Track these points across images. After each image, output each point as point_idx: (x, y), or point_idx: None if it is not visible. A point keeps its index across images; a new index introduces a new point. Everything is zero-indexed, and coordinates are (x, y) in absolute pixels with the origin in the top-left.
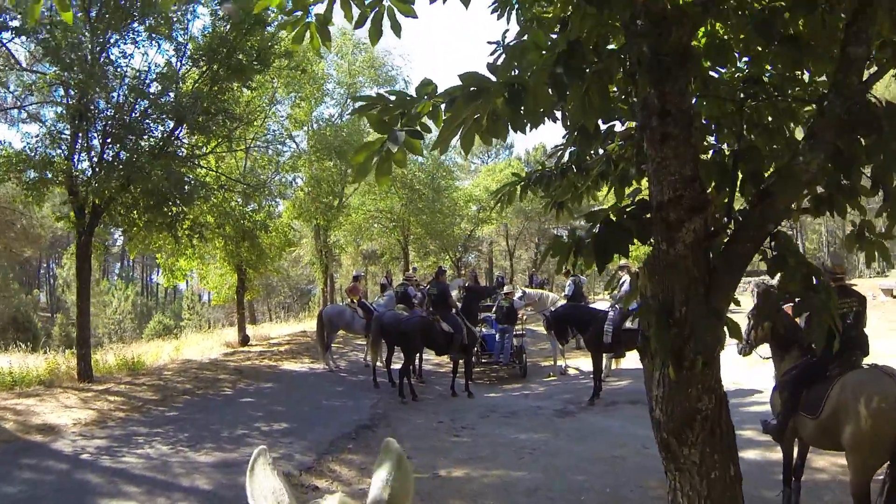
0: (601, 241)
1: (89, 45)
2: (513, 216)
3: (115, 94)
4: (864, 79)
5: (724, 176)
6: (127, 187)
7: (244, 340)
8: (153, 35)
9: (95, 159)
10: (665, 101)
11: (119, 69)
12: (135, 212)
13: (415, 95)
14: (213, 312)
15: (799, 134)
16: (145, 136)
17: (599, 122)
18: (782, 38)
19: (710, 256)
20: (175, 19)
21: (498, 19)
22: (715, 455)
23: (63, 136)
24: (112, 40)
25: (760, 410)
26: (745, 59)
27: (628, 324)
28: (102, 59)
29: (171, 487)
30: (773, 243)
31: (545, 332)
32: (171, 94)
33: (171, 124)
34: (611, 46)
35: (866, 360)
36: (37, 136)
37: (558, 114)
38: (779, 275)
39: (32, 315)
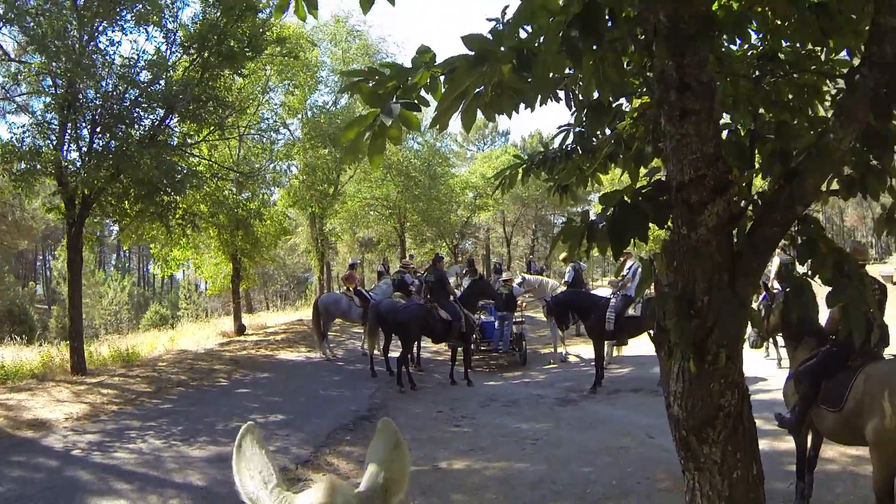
0: (617, 225)
1: (77, 34)
2: (510, 203)
3: (104, 83)
4: None
5: (741, 156)
6: (117, 177)
7: (240, 330)
8: (142, 23)
9: (85, 149)
10: (684, 74)
11: (108, 57)
12: (126, 202)
13: (411, 66)
14: (209, 302)
15: (821, 113)
16: (136, 126)
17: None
18: (810, 6)
19: (733, 241)
20: (164, 5)
21: None
22: (737, 454)
23: (51, 126)
24: (100, 28)
25: (765, 399)
26: (759, 34)
27: (631, 311)
28: (90, 48)
29: (164, 484)
30: (800, 227)
31: (544, 319)
32: (162, 82)
33: (162, 113)
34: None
35: (887, 351)
36: (23, 126)
37: (561, 94)
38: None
39: (29, 308)
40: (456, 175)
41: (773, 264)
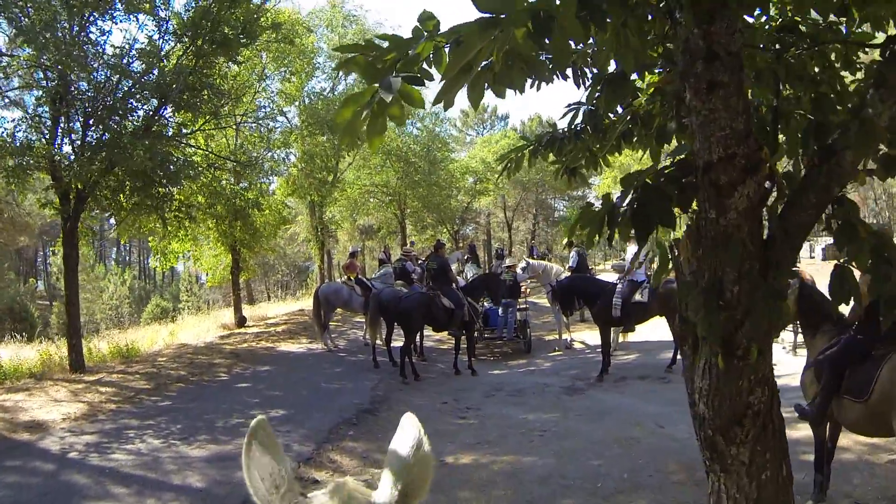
0: (640, 210)
1: (67, 24)
2: (510, 187)
3: (95, 75)
4: None
5: (763, 134)
6: (111, 170)
7: (241, 322)
8: (133, 11)
9: (78, 142)
10: (711, 42)
11: (99, 48)
12: (121, 195)
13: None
14: (210, 293)
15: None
16: (129, 117)
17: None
18: None
19: (762, 226)
20: None
21: None
22: (767, 454)
23: (43, 119)
24: (91, 18)
25: (778, 386)
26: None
27: (637, 297)
28: (81, 39)
29: (162, 487)
30: (835, 209)
31: (548, 305)
32: (155, 72)
33: (155, 103)
34: None
35: None
36: (13, 121)
37: (569, 71)
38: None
39: (30, 304)
40: (456, 160)
41: None
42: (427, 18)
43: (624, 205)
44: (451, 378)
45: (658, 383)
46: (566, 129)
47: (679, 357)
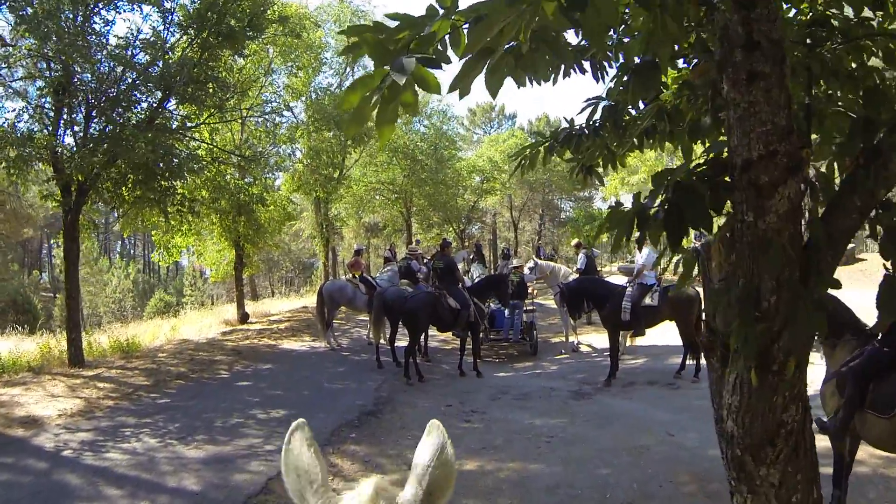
0: (674, 211)
1: (70, 14)
2: (517, 187)
3: (99, 66)
4: None
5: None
6: (113, 162)
7: (243, 318)
8: (138, 2)
9: (80, 134)
10: (752, 30)
11: (103, 39)
12: (123, 188)
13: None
14: (214, 288)
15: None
16: (133, 109)
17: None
18: None
19: (802, 231)
20: None
21: None
22: (798, 475)
23: (45, 110)
24: (95, 9)
25: None
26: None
27: (647, 300)
28: (85, 29)
29: (157, 489)
30: (881, 213)
31: (554, 307)
32: (160, 64)
33: (160, 95)
34: None
35: None
36: (13, 111)
37: (587, 64)
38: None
39: (33, 296)
40: (463, 158)
41: None
42: None
43: (655, 205)
44: (455, 380)
45: (667, 389)
46: (584, 126)
47: (688, 363)
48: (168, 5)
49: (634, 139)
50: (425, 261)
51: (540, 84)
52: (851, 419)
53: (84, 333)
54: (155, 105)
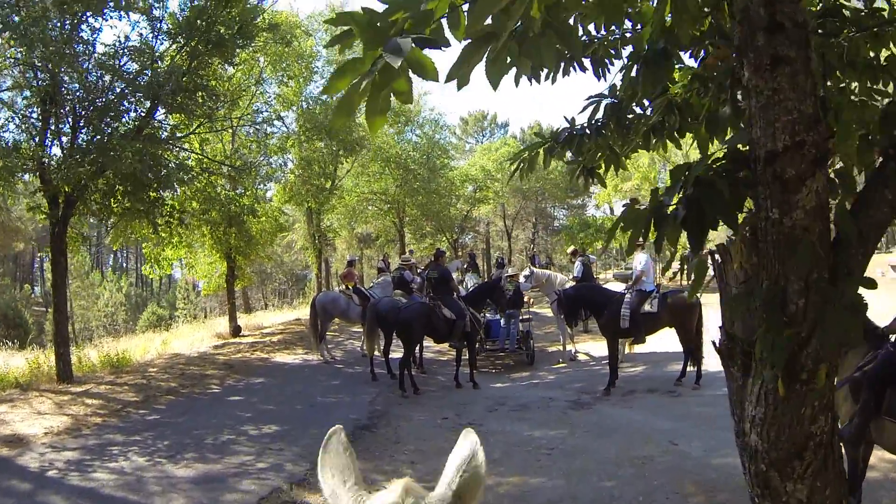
0: (695, 208)
1: (58, 22)
2: (510, 195)
3: (87, 75)
4: None
5: None
6: (101, 173)
7: (235, 331)
8: (127, 9)
9: (67, 144)
10: (774, 12)
11: (91, 48)
12: (111, 200)
13: None
14: (208, 301)
15: None
16: (122, 119)
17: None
18: None
19: (830, 227)
20: None
21: None
22: (826, 490)
23: (31, 120)
24: (83, 17)
25: None
26: None
27: (647, 307)
28: (73, 38)
29: None
30: None
31: (551, 315)
32: (148, 73)
33: (148, 105)
34: None
35: None
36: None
37: (587, 62)
38: None
39: (24, 310)
40: (455, 168)
41: None
42: None
43: (672, 203)
44: (451, 391)
45: (667, 397)
46: (585, 125)
47: (689, 369)
48: (157, 13)
49: (639, 139)
50: (419, 271)
51: (539, 82)
52: (867, 425)
53: (74, 348)
54: (143, 114)
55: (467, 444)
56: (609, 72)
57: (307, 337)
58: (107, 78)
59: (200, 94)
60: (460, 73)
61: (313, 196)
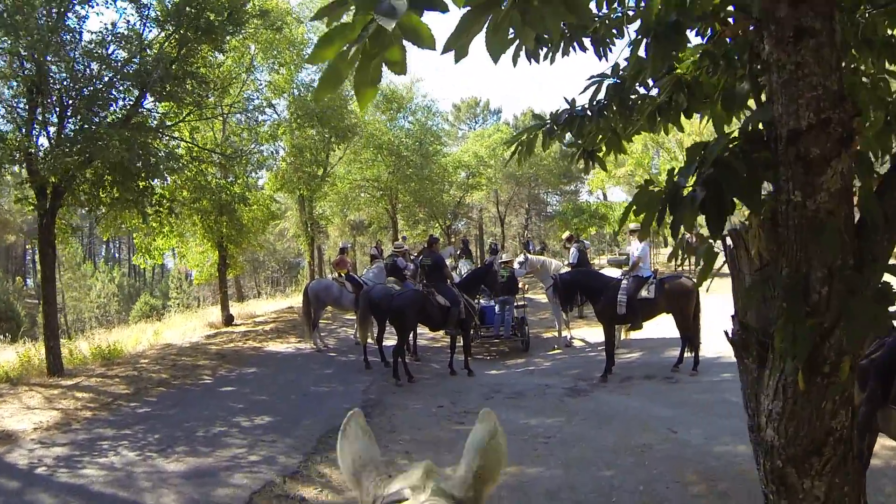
0: (714, 190)
1: (43, 9)
2: (503, 182)
3: (74, 64)
4: None
5: None
6: (89, 163)
7: (228, 320)
8: None
9: (54, 134)
10: None
11: (77, 36)
12: (100, 189)
13: None
14: (200, 290)
15: None
16: (110, 107)
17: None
18: None
19: (854, 212)
20: None
21: None
22: (845, 487)
23: (17, 110)
24: (70, 5)
25: None
26: None
27: (644, 293)
28: (59, 26)
29: None
30: None
31: (545, 301)
32: (136, 61)
33: (137, 93)
34: None
35: None
36: None
37: (587, 41)
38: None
39: (16, 303)
40: (448, 154)
41: None
42: None
43: (689, 184)
44: (446, 379)
45: (665, 383)
46: (586, 106)
47: (686, 355)
48: (145, 1)
49: (643, 120)
50: (412, 258)
51: (538, 62)
52: (874, 414)
53: (65, 340)
54: (132, 103)
55: (488, 423)
56: (611, 51)
57: (300, 325)
58: (94, 66)
59: (190, 81)
60: (459, 44)
61: (305, 183)
